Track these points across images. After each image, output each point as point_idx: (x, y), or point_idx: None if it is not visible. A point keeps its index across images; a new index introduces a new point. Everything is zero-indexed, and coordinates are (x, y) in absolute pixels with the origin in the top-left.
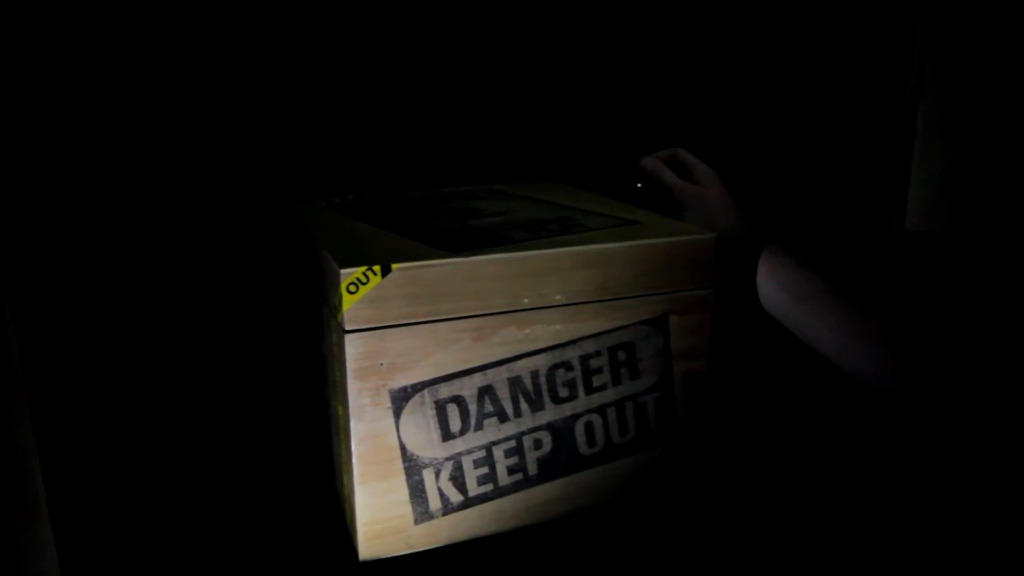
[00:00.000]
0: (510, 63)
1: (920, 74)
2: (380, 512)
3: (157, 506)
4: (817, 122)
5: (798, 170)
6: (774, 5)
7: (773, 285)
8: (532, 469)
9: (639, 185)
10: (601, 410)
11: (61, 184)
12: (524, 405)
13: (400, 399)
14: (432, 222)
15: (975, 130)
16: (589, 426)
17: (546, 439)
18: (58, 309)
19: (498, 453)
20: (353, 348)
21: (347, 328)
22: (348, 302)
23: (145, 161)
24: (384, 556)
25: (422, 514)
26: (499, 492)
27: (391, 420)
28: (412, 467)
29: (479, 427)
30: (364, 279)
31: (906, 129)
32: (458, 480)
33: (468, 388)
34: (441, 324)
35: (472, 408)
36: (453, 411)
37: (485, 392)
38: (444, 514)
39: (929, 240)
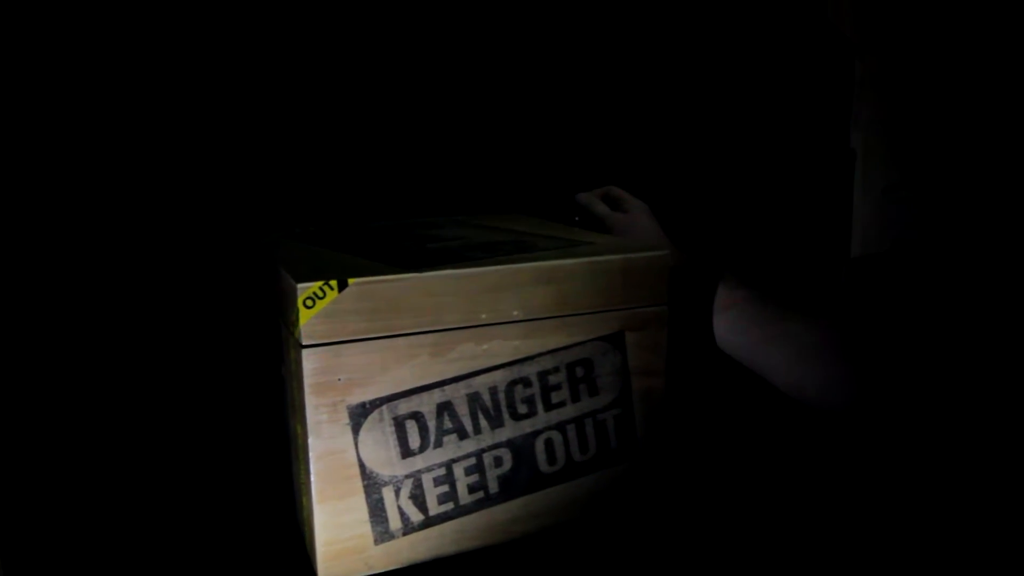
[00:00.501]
0: (455, 109)
1: (860, 106)
2: (339, 531)
3: (112, 530)
4: (762, 158)
5: (744, 204)
6: (716, 42)
7: (726, 322)
8: (493, 487)
9: (577, 219)
10: (561, 427)
11: (28, 200)
12: (483, 422)
13: (358, 415)
14: (390, 245)
15: (911, 152)
16: (549, 443)
17: (506, 456)
18: (15, 322)
19: (458, 471)
20: (310, 363)
21: (304, 343)
22: (305, 317)
23: (103, 197)
24: None
25: (382, 534)
26: (460, 511)
27: (349, 436)
28: (371, 485)
29: (439, 444)
30: (321, 293)
31: (847, 163)
32: (418, 498)
33: (427, 404)
34: (399, 339)
35: (431, 425)
36: (412, 428)
37: (444, 408)
38: (405, 534)
39: (874, 261)
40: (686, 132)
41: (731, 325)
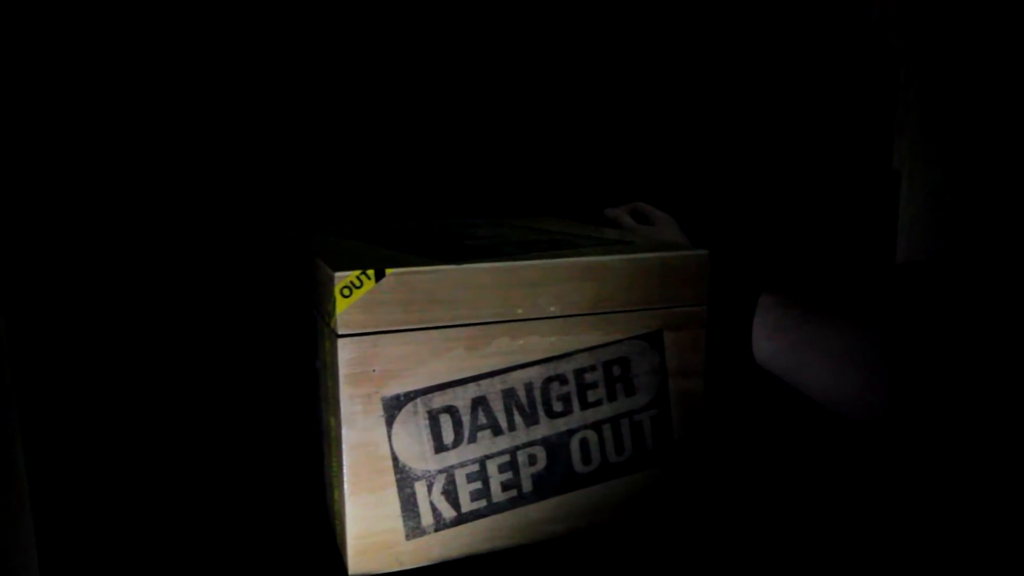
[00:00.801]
0: (488, 122)
1: (905, 112)
2: (371, 525)
3: (144, 520)
4: (804, 166)
5: (785, 212)
6: (761, 42)
7: (756, 328)
8: (526, 486)
9: None
10: (596, 426)
11: (58, 190)
12: (518, 418)
13: (392, 407)
14: (426, 240)
15: (958, 155)
16: (584, 443)
17: (540, 455)
18: (50, 317)
19: (492, 468)
20: (345, 353)
21: (340, 332)
22: (342, 305)
23: (141, 192)
24: (374, 573)
25: (413, 529)
26: (493, 509)
27: (383, 429)
28: (404, 479)
29: (472, 439)
30: (358, 283)
31: (891, 172)
32: (451, 495)
33: (461, 398)
34: (434, 332)
35: (465, 419)
36: (446, 422)
37: (479, 403)
38: (436, 530)
39: (918, 268)
40: (725, 137)
41: (760, 331)
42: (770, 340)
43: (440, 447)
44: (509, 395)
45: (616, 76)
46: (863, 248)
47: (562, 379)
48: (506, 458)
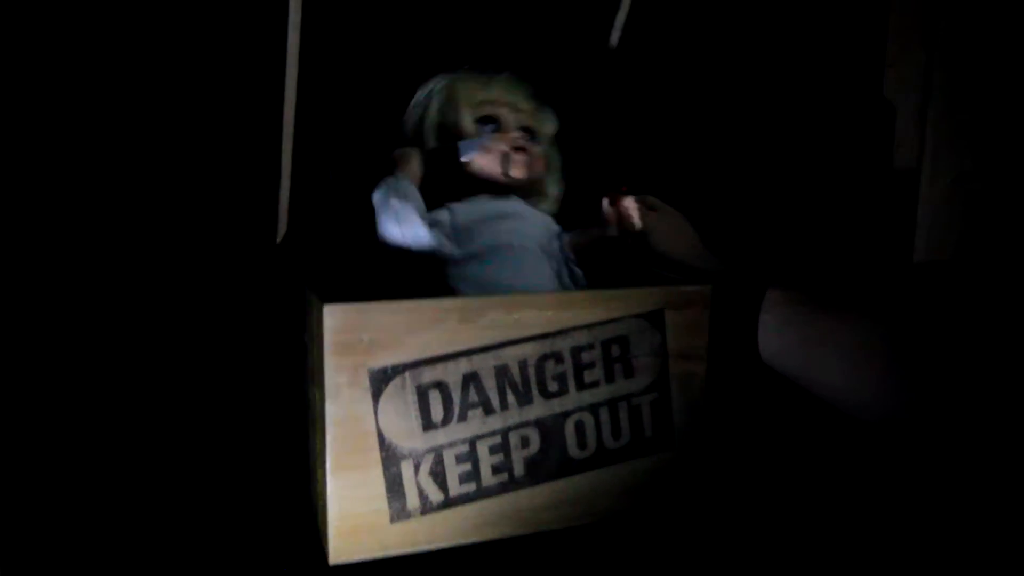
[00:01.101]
0: None
1: (927, 96)
2: (354, 506)
3: (122, 502)
4: (817, 160)
5: (798, 208)
6: (777, 37)
7: (763, 324)
8: (518, 470)
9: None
10: (593, 409)
11: (51, 178)
12: (511, 397)
13: (379, 381)
14: None
15: (984, 141)
16: (580, 426)
17: (534, 437)
18: (28, 288)
19: (482, 449)
20: (332, 320)
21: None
22: None
23: (131, 150)
24: (356, 560)
25: (399, 511)
26: (482, 493)
27: (369, 403)
28: (389, 457)
29: (463, 418)
30: None
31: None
32: (439, 476)
33: (452, 374)
34: (426, 301)
35: (456, 396)
36: (435, 398)
37: (470, 380)
38: (423, 513)
39: (936, 265)
40: (737, 130)
41: (766, 327)
42: (778, 336)
43: (428, 424)
44: (502, 372)
45: (634, 73)
46: (879, 244)
47: (558, 357)
48: (497, 439)
